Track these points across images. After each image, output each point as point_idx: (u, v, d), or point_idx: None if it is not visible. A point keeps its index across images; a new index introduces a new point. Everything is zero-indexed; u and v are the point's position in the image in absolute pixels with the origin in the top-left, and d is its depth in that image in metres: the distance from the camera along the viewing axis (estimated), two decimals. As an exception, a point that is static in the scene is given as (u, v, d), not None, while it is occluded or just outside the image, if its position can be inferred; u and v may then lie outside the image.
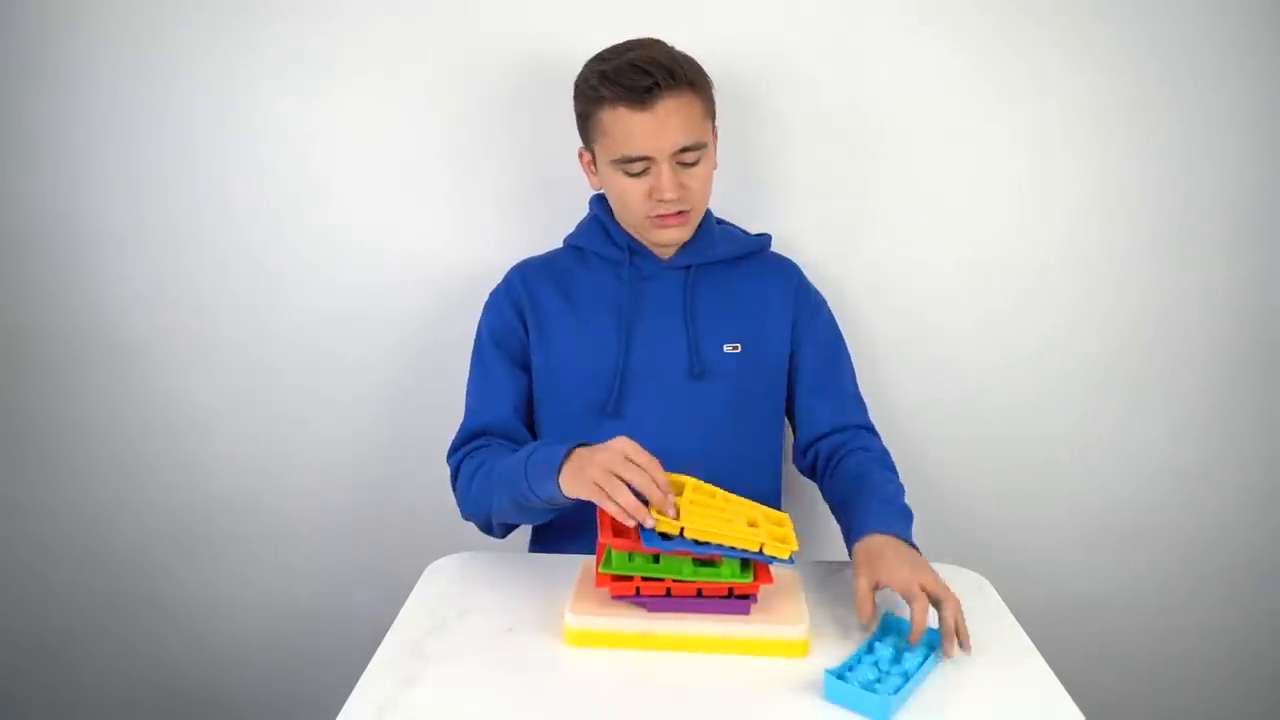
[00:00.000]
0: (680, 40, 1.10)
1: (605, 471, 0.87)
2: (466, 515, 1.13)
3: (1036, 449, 1.44)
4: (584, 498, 0.89)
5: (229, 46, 1.29)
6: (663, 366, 1.14)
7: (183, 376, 1.41)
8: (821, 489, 1.17)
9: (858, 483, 1.08)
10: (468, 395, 1.18)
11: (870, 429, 1.20)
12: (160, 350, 1.40)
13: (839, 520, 1.09)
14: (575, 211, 1.24)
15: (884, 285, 1.37)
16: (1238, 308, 1.38)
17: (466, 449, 1.14)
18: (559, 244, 1.24)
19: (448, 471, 1.15)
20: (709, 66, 1.11)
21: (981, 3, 1.27)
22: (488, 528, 1.12)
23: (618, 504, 0.86)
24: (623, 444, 0.89)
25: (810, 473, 1.21)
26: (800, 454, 1.21)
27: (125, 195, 1.34)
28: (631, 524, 0.87)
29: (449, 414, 1.19)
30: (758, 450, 1.19)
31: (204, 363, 1.41)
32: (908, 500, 1.06)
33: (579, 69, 1.10)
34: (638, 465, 0.87)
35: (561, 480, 0.92)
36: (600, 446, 0.91)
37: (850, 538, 1.01)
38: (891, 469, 1.14)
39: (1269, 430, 1.43)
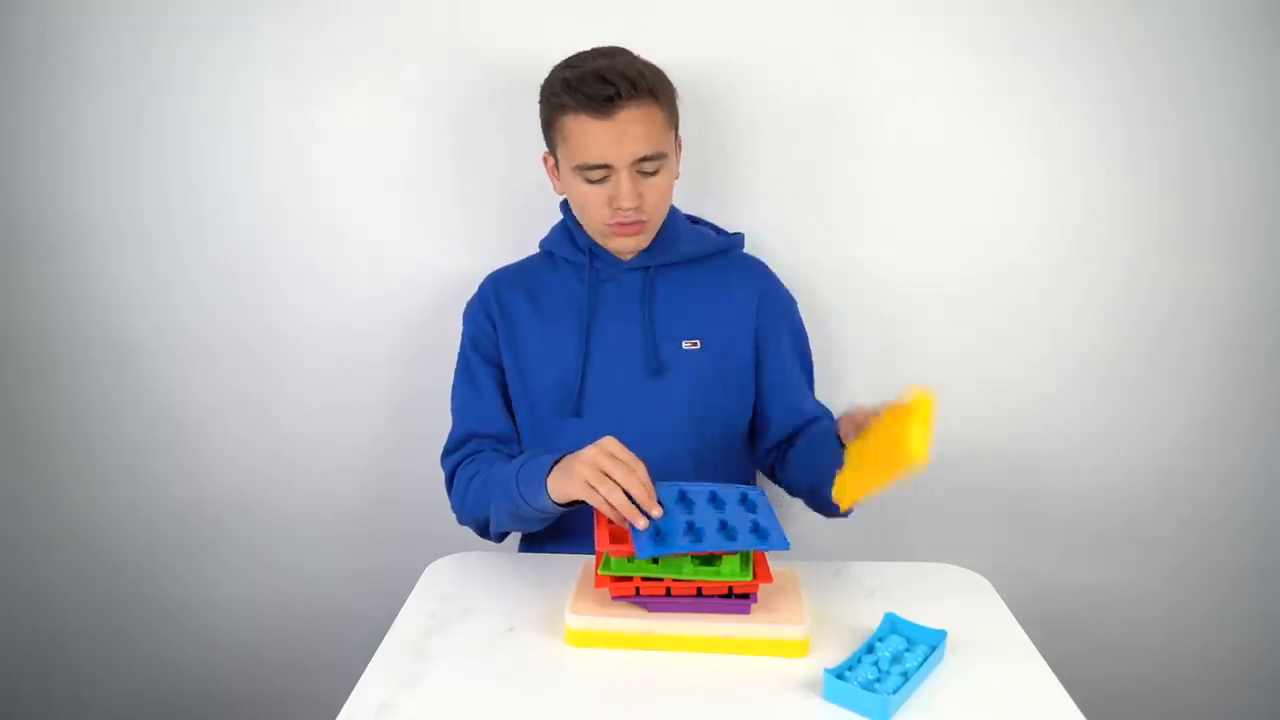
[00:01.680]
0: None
1: (594, 470, 0.88)
2: (462, 521, 1.15)
3: (1037, 449, 1.44)
4: (575, 496, 0.90)
5: (228, 46, 1.29)
6: (621, 365, 1.15)
7: (183, 376, 1.41)
8: (784, 465, 1.18)
9: (824, 429, 1.09)
10: (453, 401, 1.21)
11: (827, 412, 1.21)
12: (160, 350, 1.40)
13: (809, 468, 1.08)
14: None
15: (883, 285, 1.37)
16: (1240, 308, 1.38)
17: (459, 455, 1.16)
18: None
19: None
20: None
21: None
22: (484, 533, 1.13)
23: (609, 502, 0.87)
24: (609, 443, 0.91)
25: (770, 471, 1.23)
26: (763, 454, 1.22)
27: (125, 195, 1.34)
28: (623, 523, 0.87)
29: (448, 413, 1.19)
30: (723, 446, 1.19)
31: (204, 362, 1.41)
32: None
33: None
34: (624, 464, 0.88)
35: (550, 484, 0.93)
36: (589, 446, 0.91)
37: (830, 442, 1.01)
38: None
39: (1271, 430, 1.43)
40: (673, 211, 1.19)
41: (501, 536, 1.14)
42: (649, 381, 1.14)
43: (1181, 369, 1.41)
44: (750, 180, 1.34)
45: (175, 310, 1.38)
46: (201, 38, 1.29)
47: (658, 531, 0.87)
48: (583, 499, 0.90)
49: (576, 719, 0.79)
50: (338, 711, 0.78)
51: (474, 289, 1.24)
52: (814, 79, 1.30)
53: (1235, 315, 1.38)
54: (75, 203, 1.35)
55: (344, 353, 1.41)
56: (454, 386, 1.22)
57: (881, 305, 1.38)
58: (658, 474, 0.92)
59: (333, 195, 1.35)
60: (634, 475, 0.88)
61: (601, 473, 0.88)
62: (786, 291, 1.25)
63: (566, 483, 0.91)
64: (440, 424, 1.21)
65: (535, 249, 1.25)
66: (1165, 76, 1.29)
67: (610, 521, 0.91)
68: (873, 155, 1.33)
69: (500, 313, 1.19)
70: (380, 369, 1.42)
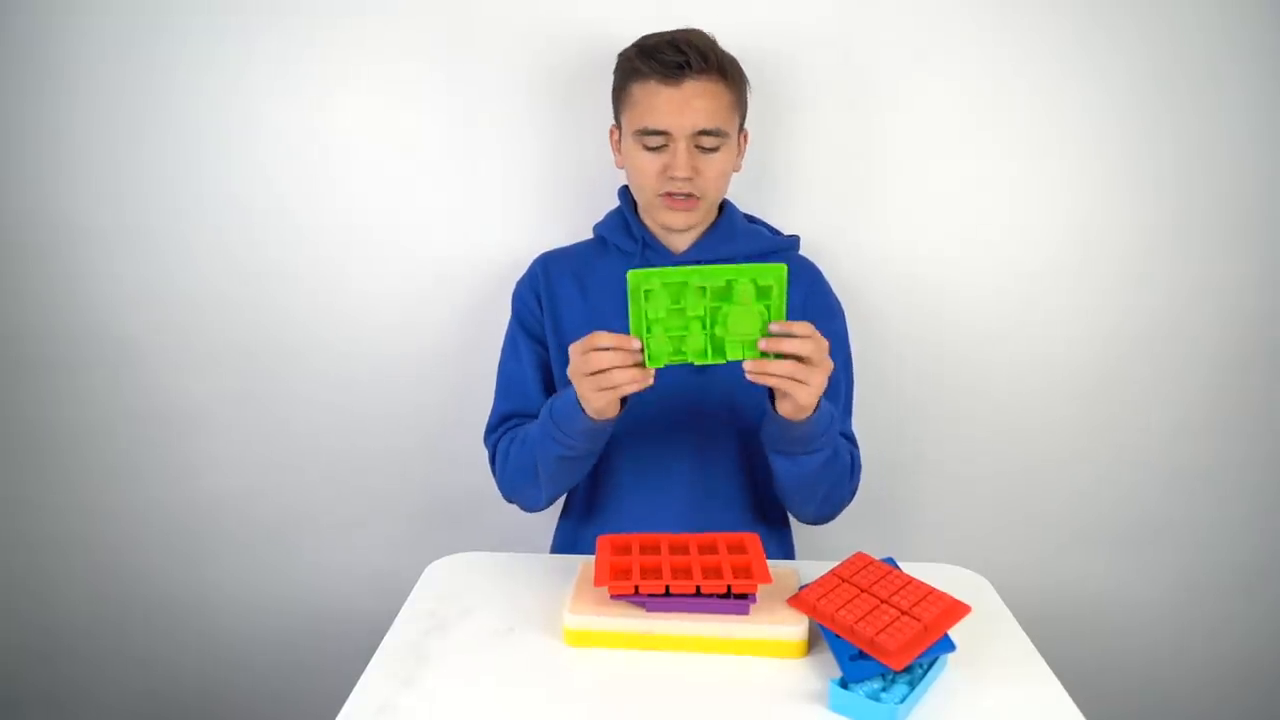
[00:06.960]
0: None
1: (589, 380, 0.92)
2: (507, 495, 1.16)
3: (1037, 449, 1.44)
4: (598, 405, 0.94)
5: (226, 44, 1.29)
6: None
7: (180, 376, 1.41)
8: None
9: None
10: (498, 379, 1.21)
11: (851, 439, 1.19)
12: (157, 350, 1.40)
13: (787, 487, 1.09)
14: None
15: (882, 283, 1.37)
16: (1240, 307, 1.38)
17: (500, 431, 1.17)
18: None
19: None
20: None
21: None
22: (528, 502, 1.14)
23: (615, 383, 0.91)
24: (593, 337, 0.92)
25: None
26: None
27: (121, 195, 1.34)
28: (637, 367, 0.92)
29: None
30: (761, 449, 1.18)
31: (201, 362, 1.41)
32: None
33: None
34: (606, 348, 0.91)
35: (583, 405, 0.96)
36: (575, 352, 0.94)
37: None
38: (846, 460, 1.12)
39: (1271, 430, 1.43)
40: (730, 208, 1.20)
41: (548, 501, 1.14)
42: (692, 376, 1.11)
43: (1184, 368, 1.41)
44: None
45: (172, 310, 1.38)
46: (199, 38, 1.29)
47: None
48: (607, 402, 0.94)
49: (576, 719, 0.79)
50: (338, 711, 0.79)
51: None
52: (816, 75, 1.30)
53: (1239, 314, 1.38)
54: (71, 203, 1.34)
55: (342, 353, 1.40)
56: (500, 364, 1.22)
57: (880, 305, 1.38)
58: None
59: (332, 196, 1.35)
60: (616, 352, 0.90)
61: (593, 375, 0.91)
62: (835, 300, 1.22)
63: (588, 400, 0.94)
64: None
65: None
66: (1172, 75, 1.29)
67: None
68: (875, 153, 1.33)
69: (548, 293, 1.19)
70: (377, 368, 1.41)
